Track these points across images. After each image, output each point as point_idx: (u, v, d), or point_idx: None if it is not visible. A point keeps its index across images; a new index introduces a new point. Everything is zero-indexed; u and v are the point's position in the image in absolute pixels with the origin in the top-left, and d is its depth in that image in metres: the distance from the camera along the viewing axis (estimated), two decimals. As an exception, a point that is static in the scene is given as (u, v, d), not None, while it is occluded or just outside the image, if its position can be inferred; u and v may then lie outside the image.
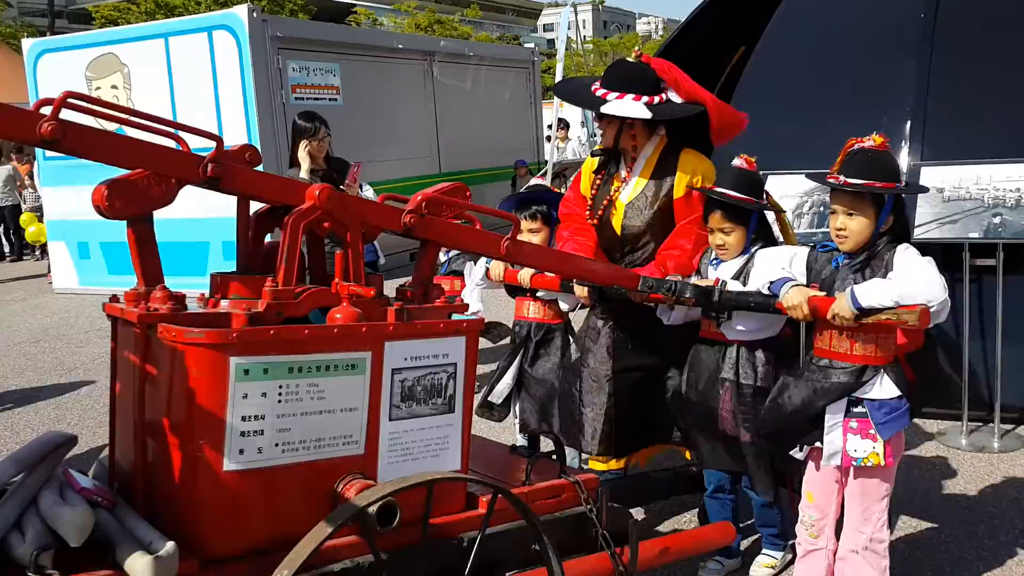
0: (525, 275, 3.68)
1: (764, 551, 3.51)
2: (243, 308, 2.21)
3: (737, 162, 3.30)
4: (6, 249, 15.31)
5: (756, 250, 3.24)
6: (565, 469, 2.78)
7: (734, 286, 3.12)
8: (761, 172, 5.03)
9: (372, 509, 2.10)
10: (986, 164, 4.71)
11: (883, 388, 2.81)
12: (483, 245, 2.78)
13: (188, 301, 2.28)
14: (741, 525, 3.57)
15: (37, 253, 14.41)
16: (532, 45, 15.60)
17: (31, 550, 1.91)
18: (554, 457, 2.84)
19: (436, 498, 2.31)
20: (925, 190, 3.17)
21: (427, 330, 2.38)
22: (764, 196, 3.27)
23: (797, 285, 2.89)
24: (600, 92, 3.39)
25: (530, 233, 3.85)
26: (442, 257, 5.84)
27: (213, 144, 2.25)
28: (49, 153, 10.99)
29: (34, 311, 10.19)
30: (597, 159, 3.62)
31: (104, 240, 10.62)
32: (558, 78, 12.45)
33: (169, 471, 2.14)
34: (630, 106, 3.34)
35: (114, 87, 10.33)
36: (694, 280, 3.25)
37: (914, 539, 3.73)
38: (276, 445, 2.15)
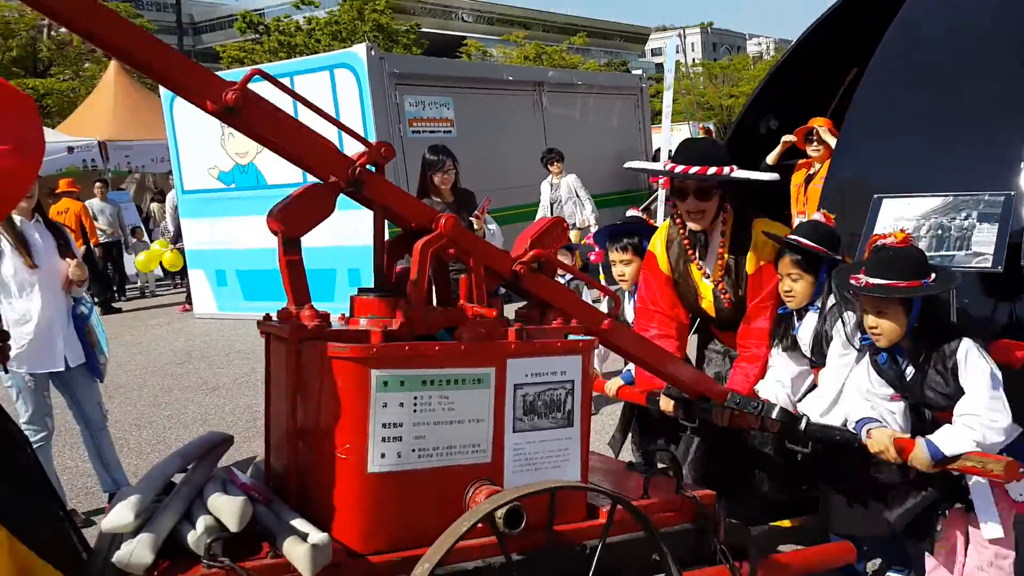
0: (612, 387, 3.84)
1: (890, 573, 3.52)
2: (380, 326, 2.43)
3: (817, 216, 3.40)
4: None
5: (831, 306, 3.29)
6: (682, 485, 2.91)
7: (816, 416, 3.18)
8: (876, 196, 5.06)
9: (501, 513, 2.28)
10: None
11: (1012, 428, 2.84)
12: (585, 316, 2.79)
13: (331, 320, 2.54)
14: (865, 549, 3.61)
15: (150, 284, 14.90)
16: (640, 72, 15.70)
17: (205, 539, 2.16)
18: (671, 473, 2.97)
19: (559, 507, 2.47)
20: (951, 284, 3.12)
21: (545, 348, 2.56)
22: (838, 251, 3.32)
23: (879, 428, 2.94)
24: (681, 168, 3.37)
25: (622, 264, 3.98)
26: (560, 281, 6.06)
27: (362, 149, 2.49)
28: (188, 186, 11.75)
29: (177, 335, 10.88)
30: (663, 239, 3.68)
31: (240, 268, 11.28)
32: (666, 107, 12.47)
33: (319, 472, 2.38)
34: (749, 172, 3.41)
35: (245, 125, 11.00)
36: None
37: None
38: (413, 451, 2.37)
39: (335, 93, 10.22)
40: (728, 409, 3.18)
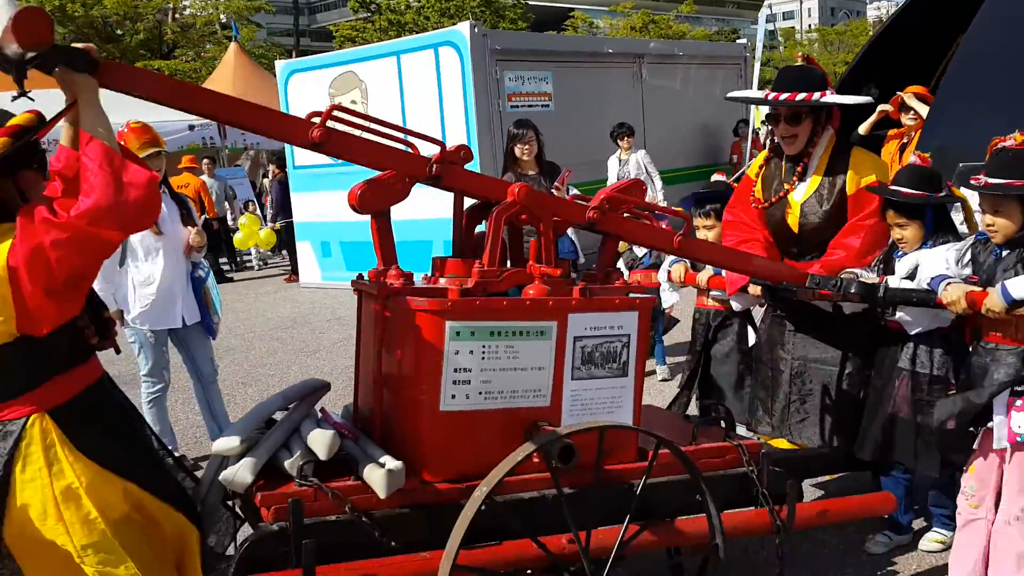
0: (703, 277, 4.00)
1: (935, 528, 3.66)
2: (457, 284, 2.74)
3: (912, 158, 3.48)
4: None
5: (938, 241, 3.39)
6: (730, 434, 3.13)
7: (899, 284, 3.30)
8: (961, 164, 5.06)
9: (555, 447, 2.56)
10: None
11: None
12: (657, 240, 3.16)
13: (416, 279, 2.87)
14: (916, 508, 3.75)
15: (255, 261, 15.53)
16: (744, 40, 15.49)
17: (298, 463, 2.53)
18: (722, 424, 3.19)
19: (610, 449, 2.75)
20: None
21: (604, 305, 2.82)
22: (942, 189, 3.39)
23: (954, 282, 3.06)
24: (774, 95, 3.55)
25: (705, 229, 4.16)
26: (640, 252, 6.27)
27: (438, 148, 2.80)
28: (299, 162, 12.38)
29: (284, 302, 11.55)
30: (759, 163, 3.84)
31: (344, 240, 11.85)
32: (754, 86, 12.39)
33: (398, 411, 2.73)
34: (837, 96, 3.55)
35: (353, 101, 11.49)
36: (870, 276, 3.44)
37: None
38: (480, 393, 2.68)
39: (439, 70, 10.57)
40: (810, 290, 3.32)
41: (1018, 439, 2.99)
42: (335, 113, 2.72)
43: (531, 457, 2.54)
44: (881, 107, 7.17)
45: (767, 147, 3.92)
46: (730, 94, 3.97)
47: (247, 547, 2.41)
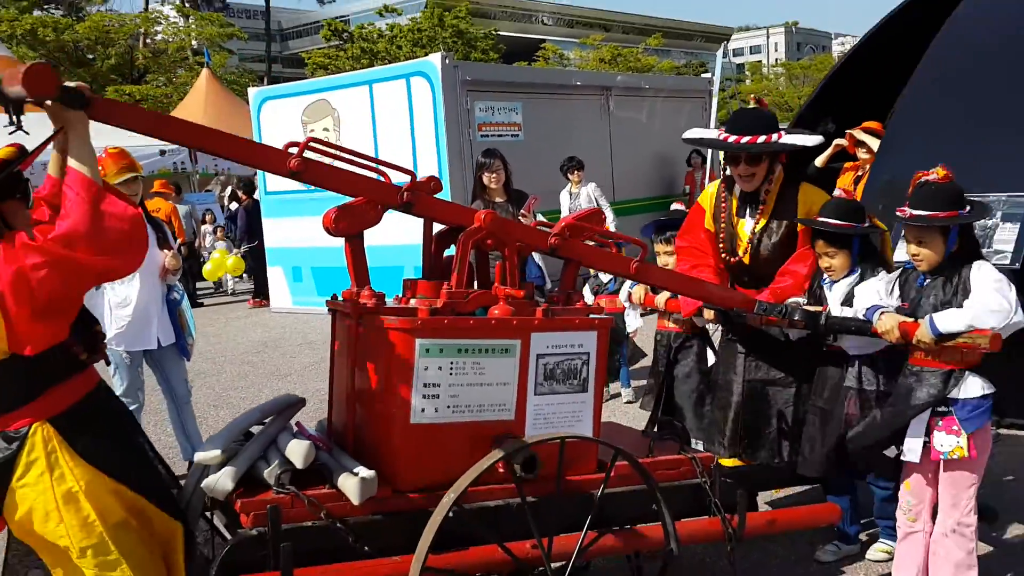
0: (661, 299, 4.20)
1: (881, 539, 3.86)
2: (426, 304, 2.91)
3: (837, 192, 3.73)
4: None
5: (867, 270, 3.63)
6: (684, 448, 3.32)
7: (839, 312, 3.53)
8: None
9: (518, 458, 2.73)
10: None
11: (967, 389, 3.17)
12: (615, 266, 3.37)
13: (387, 300, 3.03)
14: (863, 521, 3.96)
15: (230, 286, 15.47)
16: (708, 75, 15.90)
17: (276, 472, 2.68)
18: (678, 439, 3.38)
19: (571, 460, 2.92)
20: (984, 215, 3.44)
21: (566, 324, 3.01)
22: (865, 220, 3.63)
23: (887, 312, 3.29)
24: (734, 138, 3.76)
25: (665, 255, 4.37)
26: (605, 279, 6.47)
27: (408, 178, 2.98)
28: (270, 187, 12.51)
29: (255, 327, 11.62)
30: (712, 195, 4.04)
31: (315, 265, 11.97)
32: (712, 122, 12.73)
33: (371, 424, 2.89)
34: (795, 137, 3.79)
35: (325, 129, 11.67)
36: (804, 302, 3.67)
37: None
38: (448, 407, 2.85)
39: (410, 100, 10.78)
40: (758, 316, 3.54)
41: (941, 457, 3.22)
42: (311, 144, 2.89)
43: (497, 466, 2.71)
44: (836, 141, 7.47)
45: (720, 178, 4.13)
46: (687, 135, 4.16)
47: (228, 551, 2.55)
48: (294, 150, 2.86)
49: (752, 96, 4.09)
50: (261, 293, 13.44)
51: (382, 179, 3.07)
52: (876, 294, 3.42)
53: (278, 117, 12.12)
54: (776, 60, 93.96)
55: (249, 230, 13.59)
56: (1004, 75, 6.04)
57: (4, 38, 23.77)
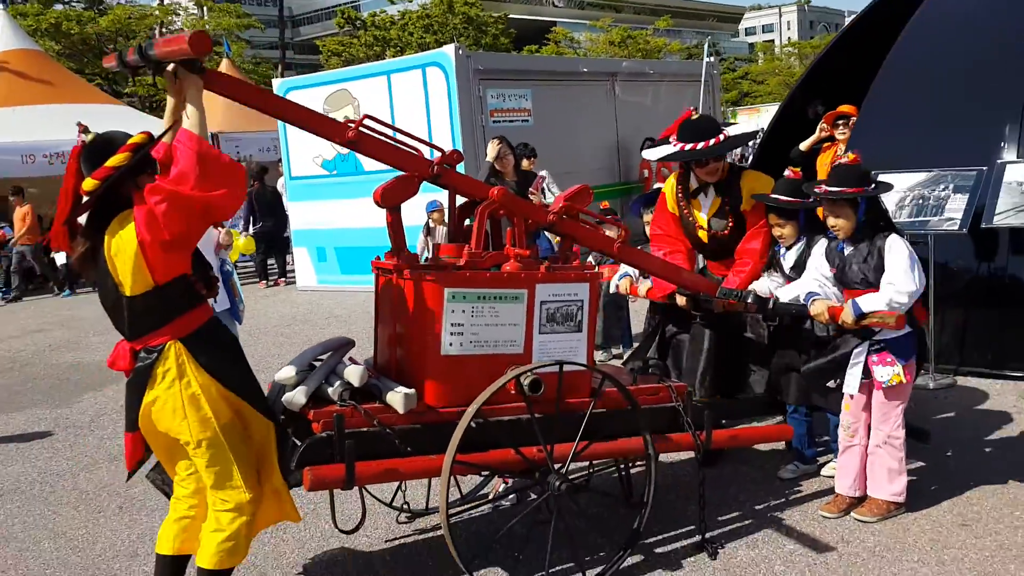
0: (642, 290, 4.93)
1: (835, 458, 4.59)
2: (451, 262, 3.65)
3: (786, 173, 4.46)
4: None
5: (812, 237, 4.36)
6: (662, 379, 4.07)
7: (783, 296, 4.27)
8: (874, 172, 6.09)
9: (525, 380, 3.48)
10: (1061, 161, 5.49)
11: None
12: (602, 245, 4.07)
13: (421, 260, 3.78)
14: (818, 440, 4.71)
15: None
16: (712, 59, 16.52)
17: (339, 390, 3.44)
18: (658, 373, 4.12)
19: (569, 386, 3.65)
20: (887, 188, 4.11)
21: (563, 277, 3.75)
22: (810, 196, 4.35)
23: (819, 298, 4.02)
24: (690, 146, 4.47)
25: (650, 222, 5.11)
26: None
27: (438, 154, 3.71)
28: (295, 172, 13.27)
29: (283, 303, 12.42)
30: (671, 187, 4.78)
31: (338, 245, 12.76)
32: (702, 103, 13.26)
33: (410, 356, 3.64)
34: (737, 129, 4.56)
35: (346, 116, 12.39)
36: (765, 284, 4.42)
37: (979, 464, 4.69)
38: (471, 342, 3.59)
39: (426, 88, 11.52)
40: (721, 299, 4.27)
41: (884, 386, 3.95)
42: (365, 122, 3.61)
43: (510, 388, 3.46)
44: (821, 126, 8.13)
45: (677, 171, 4.85)
46: (647, 155, 4.86)
47: (305, 448, 3.31)
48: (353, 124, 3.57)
49: (690, 109, 4.80)
50: (263, 274, 14.32)
51: (416, 154, 3.78)
52: (816, 274, 4.15)
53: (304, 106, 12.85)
54: (788, 39, 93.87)
55: (253, 213, 14.22)
56: (959, 67, 6.73)
57: (29, 32, 24.52)
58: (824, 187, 3.99)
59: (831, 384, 4.14)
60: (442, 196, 7.51)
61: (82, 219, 3.20)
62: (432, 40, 33.06)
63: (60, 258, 14.99)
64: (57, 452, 6.04)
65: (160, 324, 3.12)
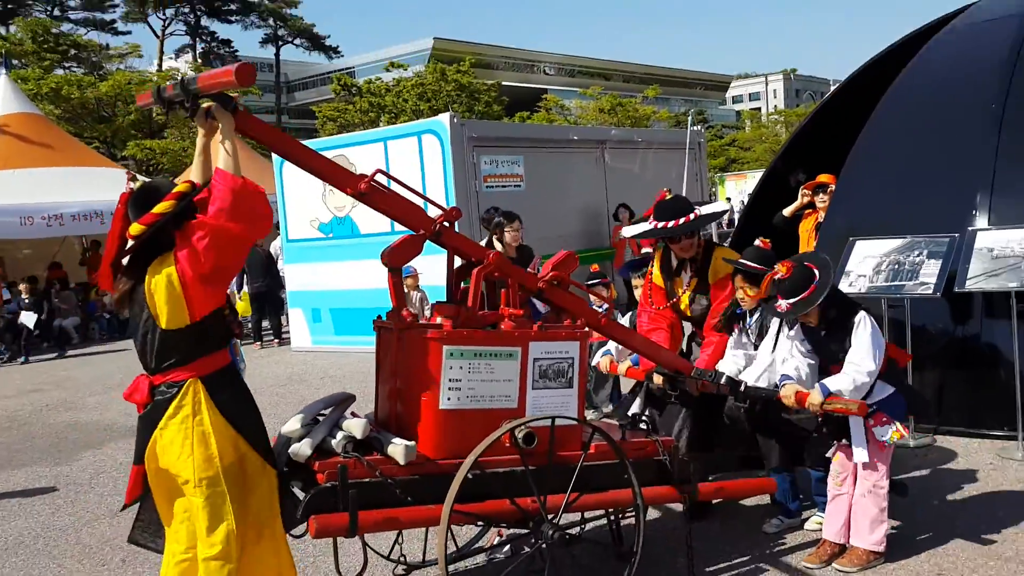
0: (622, 369, 5.16)
1: (818, 512, 4.77)
2: (449, 322, 3.87)
3: (756, 242, 4.77)
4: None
5: (769, 304, 4.61)
6: (649, 433, 4.26)
7: (751, 380, 4.49)
8: (851, 238, 6.35)
9: (520, 433, 3.67)
10: (1025, 228, 5.79)
11: (882, 392, 4.16)
12: (588, 317, 4.24)
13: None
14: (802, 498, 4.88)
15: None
16: (697, 128, 17.01)
17: (342, 443, 3.62)
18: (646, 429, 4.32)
19: (560, 440, 3.84)
20: (830, 274, 4.29)
21: (555, 336, 3.97)
22: (773, 266, 4.60)
23: (790, 383, 4.26)
24: (663, 224, 4.83)
25: (641, 287, 5.36)
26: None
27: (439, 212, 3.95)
28: (292, 235, 13.54)
29: (277, 364, 12.57)
30: (657, 261, 5.11)
31: (333, 307, 12.98)
32: (687, 172, 13.60)
33: (409, 410, 3.83)
34: (709, 207, 4.95)
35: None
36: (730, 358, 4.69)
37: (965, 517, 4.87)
38: (467, 397, 3.79)
39: (421, 154, 11.88)
40: (695, 380, 4.50)
41: (886, 444, 4.17)
42: (376, 177, 3.85)
43: (504, 441, 3.65)
44: (802, 191, 8.48)
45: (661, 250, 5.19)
46: (627, 233, 5.19)
47: (310, 498, 3.48)
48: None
49: (664, 191, 5.15)
50: (258, 335, 14.55)
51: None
52: (793, 350, 4.39)
53: (300, 172, 13.17)
54: (775, 107, 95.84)
55: (243, 275, 14.37)
56: (934, 137, 7.07)
57: (30, 96, 25.03)
58: (783, 303, 4.20)
59: (828, 454, 4.37)
60: (416, 263, 7.92)
61: (124, 260, 3.42)
62: (426, 107, 33.77)
63: (29, 321, 14.95)
64: (59, 508, 6.15)
65: (186, 361, 3.31)
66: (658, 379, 4.80)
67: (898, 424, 4.19)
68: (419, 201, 4.05)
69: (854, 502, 4.27)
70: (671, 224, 4.80)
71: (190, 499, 3.36)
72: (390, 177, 3.94)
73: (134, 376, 3.46)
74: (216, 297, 3.35)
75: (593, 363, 5.54)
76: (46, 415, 9.77)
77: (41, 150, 18.33)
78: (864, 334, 4.12)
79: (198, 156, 3.58)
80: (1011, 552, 4.32)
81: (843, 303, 4.31)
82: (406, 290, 9.22)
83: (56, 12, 47.49)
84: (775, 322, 4.50)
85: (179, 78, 3.44)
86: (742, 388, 4.41)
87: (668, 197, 4.97)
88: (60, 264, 18.33)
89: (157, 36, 49.82)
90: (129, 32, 53.61)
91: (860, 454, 4.16)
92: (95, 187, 17.53)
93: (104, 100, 30.48)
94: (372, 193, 3.78)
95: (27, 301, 15.04)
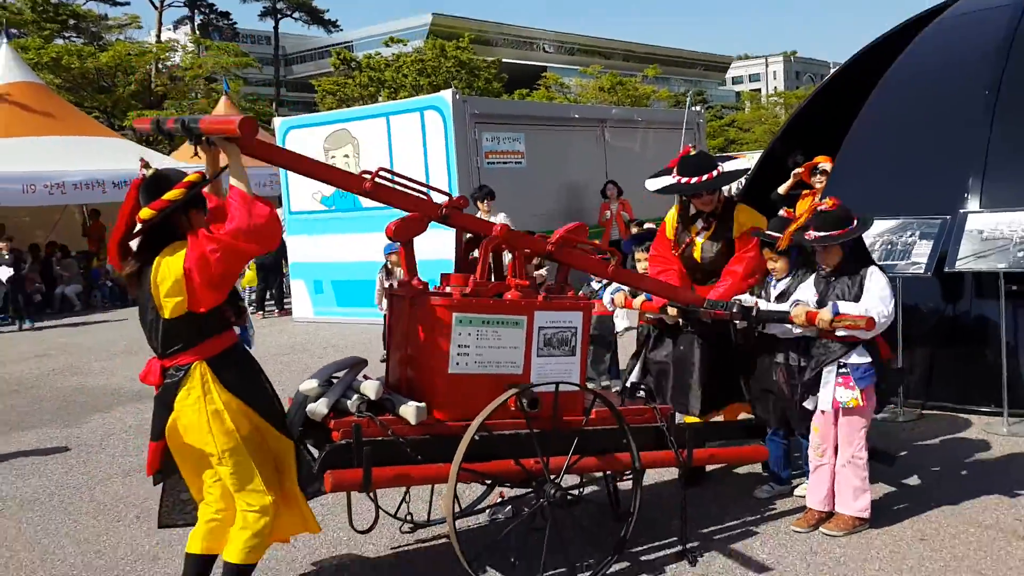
0: (637, 303, 5.32)
1: (807, 480, 4.96)
2: (459, 290, 4.04)
3: (781, 213, 4.88)
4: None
5: (801, 272, 4.78)
6: (648, 401, 4.44)
7: (764, 306, 4.68)
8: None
9: (525, 398, 3.85)
10: (1017, 211, 5.97)
11: (858, 357, 4.32)
12: (596, 269, 4.48)
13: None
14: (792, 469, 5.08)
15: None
16: (698, 108, 17.13)
17: (357, 403, 3.80)
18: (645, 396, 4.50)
19: (563, 405, 4.02)
20: (867, 227, 4.54)
21: (559, 305, 4.14)
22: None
23: (801, 303, 4.43)
24: (686, 179, 4.94)
25: (643, 260, 5.52)
26: (596, 286, 7.60)
27: (445, 198, 4.11)
28: (295, 207, 13.67)
29: (280, 333, 12.74)
30: (673, 216, 5.24)
31: (335, 279, 13.13)
32: (682, 150, 13.66)
33: (421, 374, 4.00)
34: (732, 164, 5.02)
35: (346, 156, 12.87)
36: (749, 297, 4.81)
37: (949, 493, 5.07)
38: (476, 363, 3.96)
39: (424, 130, 11.99)
40: (708, 310, 4.67)
41: (841, 406, 4.35)
42: (380, 173, 4.01)
43: (511, 404, 3.83)
44: (795, 171, 8.63)
45: (678, 203, 5.30)
46: (651, 186, 5.20)
47: (326, 454, 3.66)
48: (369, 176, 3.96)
49: (687, 146, 5.26)
50: (261, 306, 14.76)
51: (425, 199, 4.18)
52: (808, 287, 4.56)
53: (302, 145, 13.28)
54: (775, 89, 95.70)
55: None
56: (927, 121, 7.23)
57: (31, 65, 25.00)
58: (812, 233, 4.41)
59: (808, 405, 4.54)
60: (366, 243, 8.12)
61: (133, 244, 3.58)
62: (426, 82, 33.77)
63: (3, 275, 15.01)
64: (72, 468, 6.34)
65: (190, 345, 3.49)
66: (672, 311, 4.93)
67: (859, 391, 4.35)
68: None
69: (836, 472, 4.47)
70: (695, 180, 4.90)
71: (218, 469, 3.56)
72: (393, 173, 4.09)
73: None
74: (220, 296, 3.51)
75: (606, 301, 5.67)
76: (53, 379, 9.95)
77: (43, 119, 18.40)
78: (878, 283, 4.33)
79: (214, 184, 3.74)
80: (991, 520, 4.53)
81: (863, 255, 4.49)
82: (390, 266, 9.39)
83: (55, -20, 47.19)
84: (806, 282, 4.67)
85: (181, 118, 3.59)
86: (753, 312, 4.56)
87: (692, 153, 5.06)
88: (54, 242, 18.39)
89: (155, 7, 49.50)
90: (128, 3, 53.42)
91: (824, 399, 4.36)
92: (96, 156, 17.63)
93: (104, 70, 30.43)
94: (378, 190, 3.93)
95: (5, 257, 14.99)
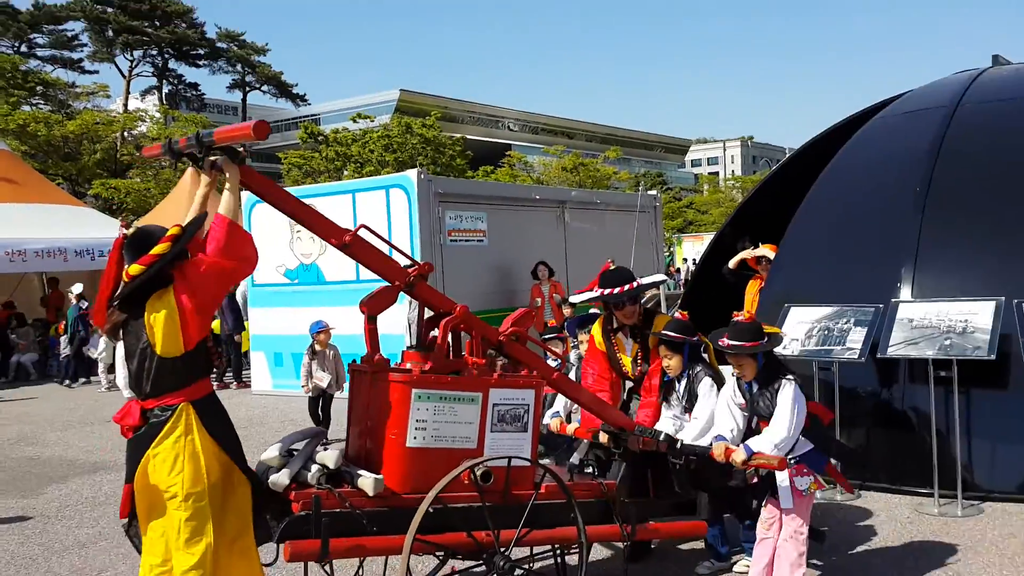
0: (571, 428, 5.58)
1: (745, 556, 5.19)
2: (418, 367, 4.27)
3: (676, 314, 5.26)
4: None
5: (698, 371, 5.13)
6: (595, 477, 4.67)
7: (692, 429, 4.99)
8: (786, 304, 6.88)
9: (478, 471, 4.06)
10: (944, 302, 6.38)
11: (804, 447, 4.62)
12: (543, 371, 4.68)
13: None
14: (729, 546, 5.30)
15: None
16: (654, 192, 17.73)
17: (316, 475, 3.98)
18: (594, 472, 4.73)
19: (514, 479, 4.24)
20: (777, 343, 4.85)
21: (513, 383, 4.38)
22: (694, 335, 5.12)
23: (719, 442, 4.72)
24: (609, 291, 5.32)
25: (584, 343, 5.82)
26: (552, 363, 7.86)
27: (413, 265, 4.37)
28: (257, 281, 13.84)
29: (238, 406, 12.74)
30: (598, 330, 5.56)
31: (294, 351, 13.23)
32: (636, 238, 13.95)
33: (378, 447, 4.20)
34: (648, 278, 5.50)
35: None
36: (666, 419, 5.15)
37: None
38: (432, 437, 4.18)
39: (389, 207, 12.32)
40: (637, 437, 4.92)
41: (803, 493, 4.62)
42: (363, 231, 4.25)
43: (464, 479, 4.04)
44: (744, 253, 9.09)
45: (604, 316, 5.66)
46: (575, 299, 5.58)
47: (287, 524, 3.82)
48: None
49: (608, 262, 5.67)
50: (239, 377, 14.67)
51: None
52: (729, 401, 4.87)
53: (269, 219, 13.53)
54: (732, 172, 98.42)
55: (238, 313, 14.83)
56: (864, 213, 7.71)
57: (-3, 132, 25.14)
58: (726, 341, 4.73)
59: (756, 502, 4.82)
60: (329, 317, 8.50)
61: (117, 296, 3.78)
62: (392, 158, 34.32)
63: None
64: (28, 538, 6.35)
65: (180, 386, 3.69)
66: (603, 437, 5.18)
67: (816, 476, 4.64)
68: (396, 256, 4.46)
69: (778, 546, 4.71)
70: (615, 291, 5.30)
71: (172, 514, 3.66)
72: (373, 232, 4.35)
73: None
74: (204, 327, 3.74)
75: (544, 422, 5.93)
76: (8, 449, 9.89)
77: (6, 185, 18.45)
78: (786, 399, 4.59)
79: (198, 201, 3.97)
80: (918, 595, 4.78)
81: (775, 365, 4.79)
82: (317, 347, 9.46)
83: (24, 49, 47.55)
84: (707, 385, 4.97)
85: (195, 132, 3.84)
86: (679, 446, 4.84)
87: (612, 268, 5.47)
88: (13, 303, 18.29)
89: (124, 76, 50.02)
90: (96, 72, 53.75)
91: (785, 501, 4.61)
92: (59, 224, 17.70)
93: (71, 138, 30.58)
94: (355, 245, 4.19)
95: None
